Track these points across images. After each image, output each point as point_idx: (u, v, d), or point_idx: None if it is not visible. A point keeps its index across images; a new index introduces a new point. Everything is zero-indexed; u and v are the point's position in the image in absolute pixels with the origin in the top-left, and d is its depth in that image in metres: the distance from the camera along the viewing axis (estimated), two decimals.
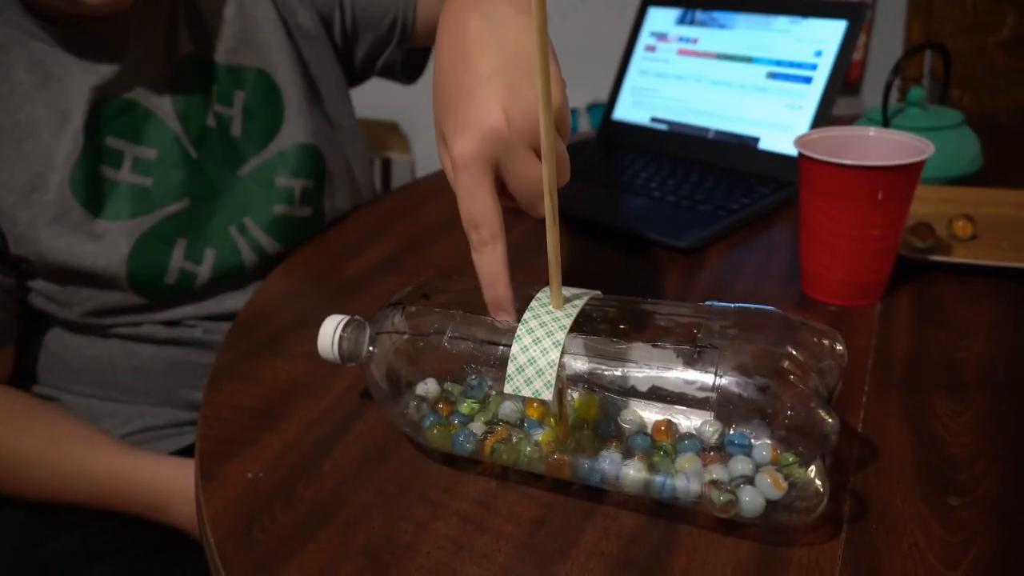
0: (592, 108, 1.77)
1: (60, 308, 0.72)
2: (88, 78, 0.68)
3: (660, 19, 0.99)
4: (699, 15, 0.95)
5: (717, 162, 0.89)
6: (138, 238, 0.71)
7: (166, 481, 0.68)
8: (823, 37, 0.84)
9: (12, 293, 0.71)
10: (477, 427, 0.44)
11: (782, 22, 0.87)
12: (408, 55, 0.89)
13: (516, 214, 0.86)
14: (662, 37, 0.98)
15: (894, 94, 1.16)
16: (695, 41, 0.95)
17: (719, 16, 0.93)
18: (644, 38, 1.00)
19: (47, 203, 0.67)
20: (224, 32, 0.75)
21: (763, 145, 0.86)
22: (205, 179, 0.74)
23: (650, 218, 0.77)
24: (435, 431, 0.45)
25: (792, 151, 0.82)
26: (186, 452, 0.77)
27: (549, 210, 0.40)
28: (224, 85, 0.76)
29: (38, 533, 0.70)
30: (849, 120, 0.95)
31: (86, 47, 0.68)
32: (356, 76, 0.90)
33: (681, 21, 0.96)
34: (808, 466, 0.38)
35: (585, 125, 1.78)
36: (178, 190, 0.73)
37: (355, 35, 0.84)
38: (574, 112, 1.81)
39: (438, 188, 0.94)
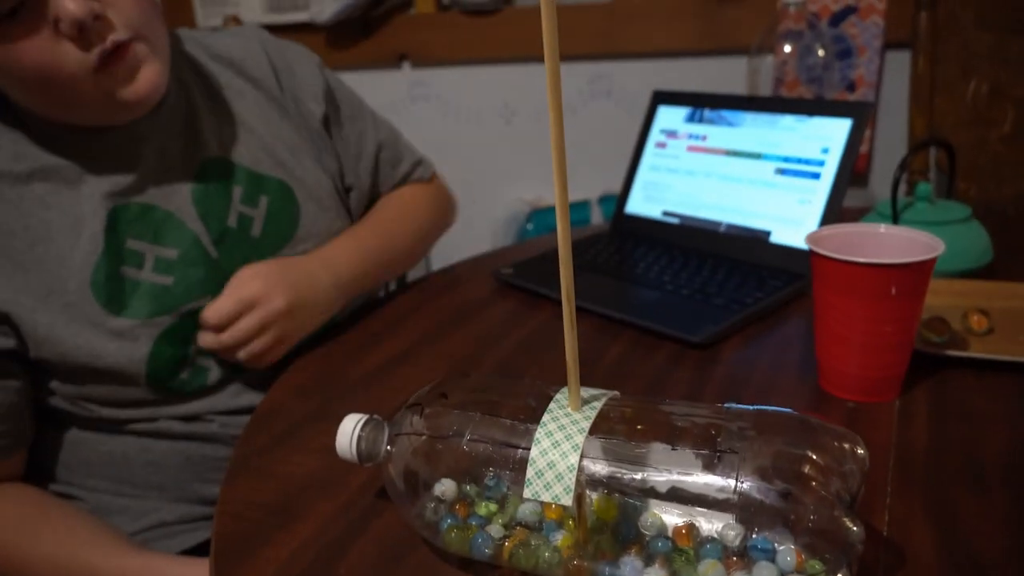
0: (603, 200, 1.81)
1: (76, 407, 0.73)
2: (101, 184, 0.70)
3: (670, 117, 1.02)
4: (707, 113, 0.98)
5: (729, 255, 0.90)
6: (158, 337, 0.72)
7: None
8: (829, 135, 0.87)
9: (28, 396, 0.72)
10: (495, 530, 0.44)
11: (788, 121, 0.90)
12: None
13: (531, 306, 0.86)
14: (672, 134, 1.01)
15: (901, 186, 1.17)
16: (704, 138, 0.97)
17: (727, 115, 0.96)
18: (655, 135, 1.03)
19: (66, 304, 0.68)
20: (252, 143, 0.79)
21: (774, 239, 0.87)
22: (225, 277, 0.76)
23: (664, 312, 0.77)
24: (453, 534, 0.44)
25: (803, 245, 0.84)
26: (198, 549, 0.76)
27: (567, 314, 0.41)
28: (249, 189, 0.78)
29: None
30: (858, 212, 0.97)
31: (99, 155, 0.71)
32: None
33: (690, 119, 1.00)
34: (835, 574, 0.37)
35: (597, 217, 1.81)
36: (198, 288, 0.74)
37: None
38: (586, 204, 1.84)
39: (451, 281, 0.95)
